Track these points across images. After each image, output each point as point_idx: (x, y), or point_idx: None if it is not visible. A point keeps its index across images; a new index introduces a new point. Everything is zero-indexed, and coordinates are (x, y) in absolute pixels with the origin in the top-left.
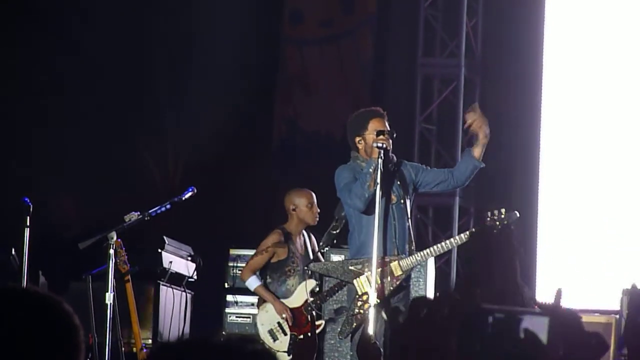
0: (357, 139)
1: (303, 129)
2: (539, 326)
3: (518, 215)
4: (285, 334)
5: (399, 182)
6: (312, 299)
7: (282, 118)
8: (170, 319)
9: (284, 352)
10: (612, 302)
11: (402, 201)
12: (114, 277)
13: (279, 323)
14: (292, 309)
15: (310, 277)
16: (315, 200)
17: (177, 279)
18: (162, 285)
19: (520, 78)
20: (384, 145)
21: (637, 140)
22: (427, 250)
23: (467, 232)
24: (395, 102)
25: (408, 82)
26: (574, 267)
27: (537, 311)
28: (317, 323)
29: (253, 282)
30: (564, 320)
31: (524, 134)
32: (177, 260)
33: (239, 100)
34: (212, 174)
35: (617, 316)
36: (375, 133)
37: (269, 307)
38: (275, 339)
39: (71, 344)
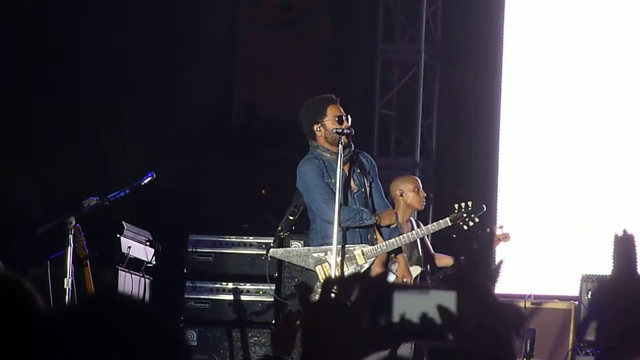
0: (316, 126)
1: (262, 114)
2: (448, 300)
3: (485, 208)
4: None
5: (358, 170)
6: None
7: (241, 102)
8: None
9: None
10: (572, 288)
11: (362, 189)
12: (72, 262)
13: None
14: None
15: (416, 264)
16: (420, 185)
17: (135, 264)
18: (121, 270)
19: (480, 64)
20: (348, 131)
21: (597, 126)
22: (393, 239)
23: (435, 224)
24: (355, 88)
25: (367, 67)
26: (534, 253)
27: (446, 286)
28: None
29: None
30: (475, 294)
31: (483, 119)
32: (136, 246)
33: (199, 85)
34: (171, 158)
35: (577, 302)
36: (335, 119)
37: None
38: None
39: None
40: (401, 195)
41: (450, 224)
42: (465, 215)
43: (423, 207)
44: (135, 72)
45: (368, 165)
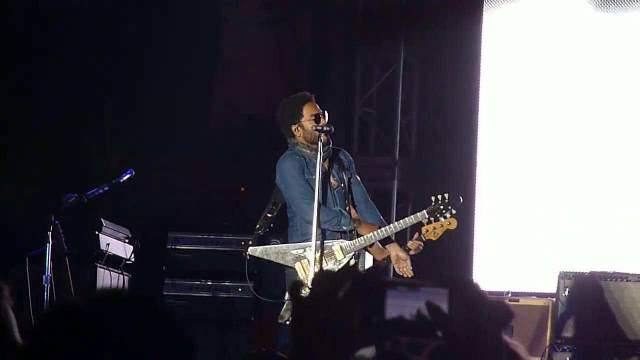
0: (294, 127)
1: (241, 113)
2: (439, 298)
3: (462, 200)
4: None
5: (337, 167)
6: None
7: (220, 101)
8: None
9: None
10: (549, 285)
11: (342, 185)
12: (51, 259)
13: None
14: None
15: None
16: None
17: (114, 261)
18: (100, 267)
19: (459, 63)
20: (327, 129)
21: (574, 124)
22: (371, 234)
23: (412, 217)
24: (335, 87)
25: (347, 66)
26: (511, 251)
27: (438, 284)
28: None
29: None
30: (465, 292)
31: (462, 118)
32: (115, 243)
33: (178, 83)
34: (150, 156)
35: (554, 299)
36: (312, 118)
37: None
38: None
39: None
40: None
41: (427, 216)
42: (442, 207)
43: None
44: (115, 71)
45: (346, 161)
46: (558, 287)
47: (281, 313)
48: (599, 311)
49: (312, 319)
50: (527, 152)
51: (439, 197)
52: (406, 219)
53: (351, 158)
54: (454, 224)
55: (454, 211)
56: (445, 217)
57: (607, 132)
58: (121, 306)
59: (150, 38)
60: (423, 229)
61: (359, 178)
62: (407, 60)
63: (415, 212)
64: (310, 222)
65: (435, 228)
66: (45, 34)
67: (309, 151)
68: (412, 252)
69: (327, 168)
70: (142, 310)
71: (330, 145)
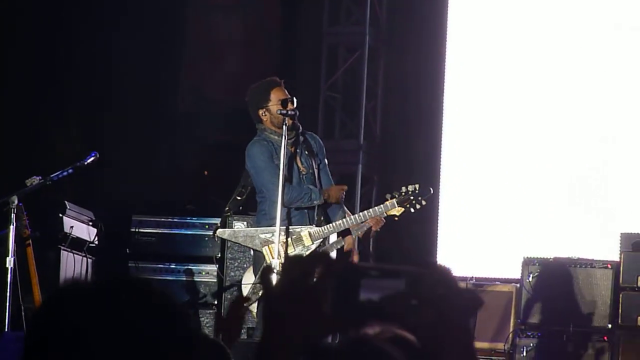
0: (261, 111)
1: (208, 98)
2: (397, 286)
3: (432, 191)
4: None
5: (306, 152)
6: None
7: (186, 86)
8: None
9: None
10: (513, 271)
11: (311, 171)
12: (14, 242)
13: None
14: None
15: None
16: None
17: (78, 244)
18: (63, 250)
19: (424, 47)
20: (292, 113)
21: (538, 109)
22: (340, 221)
23: (382, 206)
24: (301, 71)
25: (313, 50)
26: (476, 236)
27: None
28: None
29: None
30: (437, 278)
31: (427, 103)
32: (79, 225)
33: (144, 68)
34: (115, 139)
35: (518, 285)
36: (279, 102)
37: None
38: None
39: None
40: None
41: (397, 206)
42: (412, 198)
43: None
44: (79, 55)
45: (316, 146)
46: (522, 273)
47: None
48: (563, 297)
49: (282, 305)
50: (492, 137)
51: (410, 187)
52: (375, 208)
53: (322, 143)
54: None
55: (424, 202)
56: (415, 208)
57: (572, 116)
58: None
59: (115, 20)
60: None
61: (327, 164)
62: (373, 44)
63: (385, 201)
64: (287, 205)
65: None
66: (8, 15)
67: (276, 137)
68: (374, 228)
69: (294, 153)
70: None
71: (300, 131)
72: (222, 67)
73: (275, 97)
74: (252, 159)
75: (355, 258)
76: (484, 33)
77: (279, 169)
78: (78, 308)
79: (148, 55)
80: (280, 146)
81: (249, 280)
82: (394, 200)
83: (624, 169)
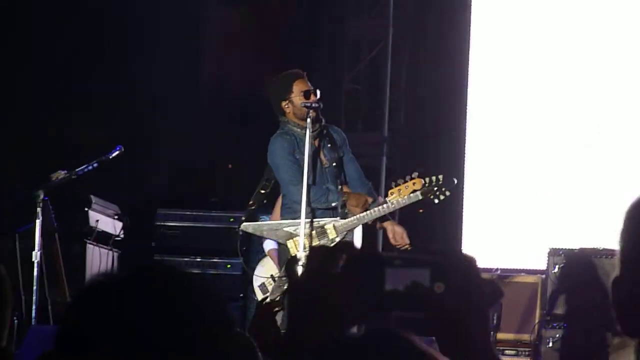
0: (284, 103)
1: (229, 89)
2: (422, 276)
3: (456, 181)
4: None
5: (329, 145)
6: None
7: (208, 78)
8: None
9: None
10: (539, 262)
11: (334, 164)
12: (41, 236)
13: (272, 275)
14: None
15: None
16: None
17: (104, 238)
18: (89, 244)
19: (447, 38)
20: (315, 105)
21: (567, 98)
22: (364, 213)
23: (406, 197)
24: (323, 63)
25: (335, 42)
26: (501, 227)
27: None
28: None
29: None
30: (460, 267)
31: (451, 93)
32: (104, 219)
33: (166, 61)
34: (141, 133)
35: (544, 276)
36: (302, 94)
37: (266, 260)
38: (265, 292)
39: None
40: None
41: (421, 197)
42: (436, 189)
43: None
44: (103, 49)
45: (339, 139)
46: (548, 264)
47: (272, 290)
48: (589, 288)
49: (306, 295)
50: (518, 126)
51: (433, 178)
52: (399, 199)
53: (344, 135)
54: (419, 184)
55: (447, 193)
56: (439, 199)
57: (600, 107)
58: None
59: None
60: (389, 192)
61: (352, 156)
62: (396, 36)
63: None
64: (298, 203)
65: (400, 190)
66: (29, 8)
67: (299, 130)
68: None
69: (317, 146)
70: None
71: (322, 123)
72: (243, 58)
73: (297, 89)
74: (272, 154)
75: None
76: (508, 22)
77: (301, 163)
78: (112, 299)
79: (169, 48)
80: (303, 138)
81: (260, 273)
82: (418, 192)
83: None
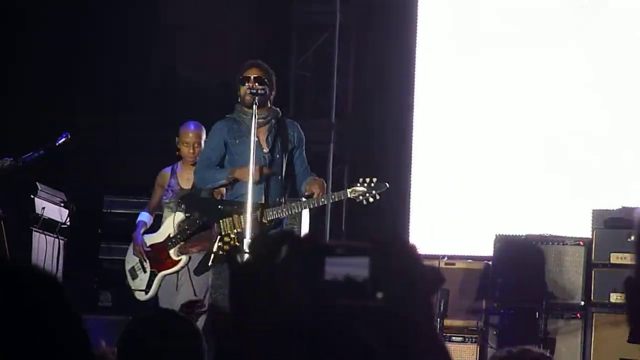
0: (239, 87)
1: (180, 76)
2: (361, 265)
3: (387, 186)
4: (145, 272)
5: (279, 136)
6: (175, 233)
7: (158, 65)
8: (43, 265)
9: (141, 290)
10: (485, 249)
11: (277, 155)
12: None
13: (140, 260)
14: (154, 245)
15: (182, 211)
16: (197, 139)
17: (50, 225)
18: (35, 231)
19: (394, 25)
20: (253, 92)
21: (510, 85)
22: (294, 203)
23: (335, 194)
24: (271, 49)
25: (283, 29)
26: (448, 214)
27: (375, 246)
28: (176, 259)
29: (138, 217)
30: (403, 254)
31: (398, 81)
32: (51, 207)
33: (117, 46)
34: (86, 120)
35: (490, 262)
36: (240, 80)
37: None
38: (134, 277)
39: None
40: (177, 144)
41: (349, 196)
42: (366, 191)
43: (192, 160)
44: (49, 35)
45: (293, 135)
46: (494, 250)
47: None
48: (536, 274)
49: (250, 284)
50: (463, 113)
51: (367, 180)
52: (328, 194)
53: (302, 134)
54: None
55: (377, 197)
56: (367, 202)
57: (544, 91)
58: None
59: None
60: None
61: (304, 155)
62: (343, 21)
63: (352, 182)
64: (200, 187)
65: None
66: None
67: (244, 116)
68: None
69: (262, 135)
70: None
71: (279, 115)
72: (191, 46)
73: (245, 76)
74: (209, 135)
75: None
76: (455, 9)
77: (232, 147)
78: None
79: (119, 34)
80: (249, 126)
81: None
82: (348, 190)
83: (595, 147)
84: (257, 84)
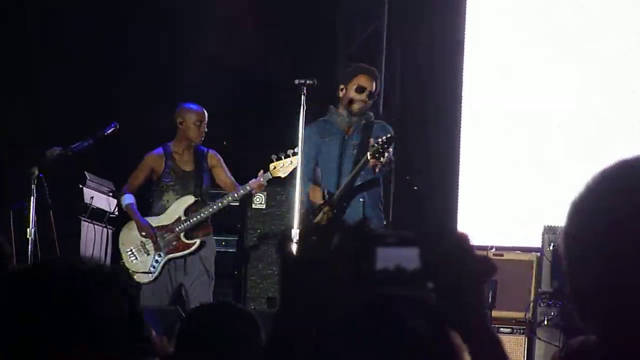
0: (340, 87)
1: (223, 67)
2: (411, 255)
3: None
4: (148, 254)
5: (365, 137)
6: (185, 217)
7: (201, 55)
8: (92, 254)
9: (145, 272)
10: (534, 239)
11: (354, 151)
12: (35, 212)
13: (142, 242)
14: (160, 227)
15: (190, 194)
16: (204, 119)
17: (98, 215)
18: (83, 220)
19: (443, 17)
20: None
21: (561, 77)
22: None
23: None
24: (317, 41)
25: (329, 20)
26: (496, 205)
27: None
28: (189, 242)
29: (124, 200)
30: (455, 244)
31: (447, 72)
32: (99, 196)
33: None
34: (132, 112)
35: (539, 254)
36: (355, 88)
37: (133, 225)
38: (135, 258)
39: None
40: (181, 124)
41: (368, 158)
42: (379, 145)
43: (200, 142)
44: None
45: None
46: (543, 242)
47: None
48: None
49: (298, 273)
50: (512, 104)
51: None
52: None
53: (383, 133)
54: (295, 163)
55: (388, 149)
56: (383, 157)
57: (600, 77)
58: None
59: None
60: (270, 166)
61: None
62: (391, 14)
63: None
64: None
65: (283, 165)
66: None
67: (338, 117)
68: (255, 191)
69: (348, 133)
70: None
71: (371, 119)
72: (236, 36)
73: (356, 81)
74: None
75: None
76: (505, 4)
77: (322, 147)
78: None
79: (165, 23)
80: (338, 126)
81: (128, 237)
82: (368, 154)
83: None
84: (368, 100)
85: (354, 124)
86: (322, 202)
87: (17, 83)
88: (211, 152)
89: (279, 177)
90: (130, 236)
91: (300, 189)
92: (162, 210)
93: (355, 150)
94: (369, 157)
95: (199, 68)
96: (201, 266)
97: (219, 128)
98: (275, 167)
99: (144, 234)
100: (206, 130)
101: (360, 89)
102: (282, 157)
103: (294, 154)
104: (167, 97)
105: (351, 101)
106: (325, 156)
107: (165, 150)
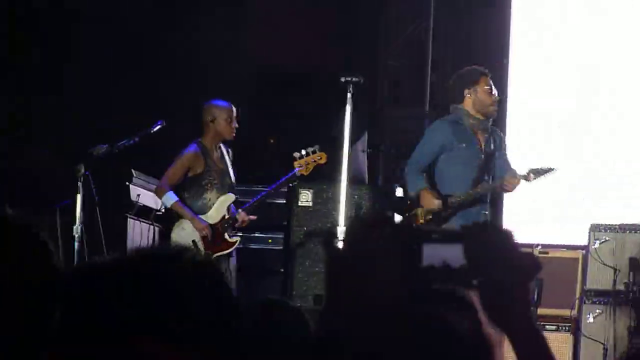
0: (467, 91)
1: (266, 64)
2: (454, 251)
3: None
4: None
5: (492, 140)
6: (229, 215)
7: (246, 53)
8: None
9: None
10: (580, 237)
11: (490, 155)
12: (82, 210)
13: (193, 241)
14: (210, 226)
15: (229, 192)
16: (235, 115)
17: (145, 212)
18: (130, 218)
19: (488, 17)
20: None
21: (607, 73)
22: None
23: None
24: (362, 37)
25: (374, 17)
26: (542, 203)
27: (470, 233)
28: (232, 241)
29: (169, 199)
30: (499, 241)
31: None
32: (145, 193)
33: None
34: (181, 109)
35: (584, 251)
36: (487, 90)
37: (186, 224)
38: None
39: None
40: (212, 121)
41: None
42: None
43: (232, 138)
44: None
45: (499, 139)
46: (589, 240)
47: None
48: (630, 264)
49: (344, 269)
50: (559, 102)
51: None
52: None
53: (502, 137)
54: (324, 159)
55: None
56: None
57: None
58: None
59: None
60: (296, 164)
61: (506, 157)
62: (437, 11)
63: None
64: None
65: (308, 163)
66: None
67: (472, 121)
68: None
69: (479, 138)
70: None
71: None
72: (285, 33)
73: (484, 84)
74: (425, 135)
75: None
76: (551, 2)
77: (460, 152)
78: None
79: (208, 21)
80: (474, 130)
81: (181, 236)
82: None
83: None
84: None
85: (488, 128)
86: (439, 209)
87: (63, 82)
88: (227, 148)
89: (303, 174)
90: (185, 234)
91: (407, 178)
92: (204, 208)
93: (492, 162)
94: (520, 180)
95: (240, 66)
96: (234, 261)
97: (260, 126)
98: (301, 166)
99: (204, 232)
100: (237, 125)
101: (490, 91)
102: (304, 155)
103: (314, 152)
104: (212, 95)
105: (486, 104)
106: (457, 160)
107: (201, 148)
